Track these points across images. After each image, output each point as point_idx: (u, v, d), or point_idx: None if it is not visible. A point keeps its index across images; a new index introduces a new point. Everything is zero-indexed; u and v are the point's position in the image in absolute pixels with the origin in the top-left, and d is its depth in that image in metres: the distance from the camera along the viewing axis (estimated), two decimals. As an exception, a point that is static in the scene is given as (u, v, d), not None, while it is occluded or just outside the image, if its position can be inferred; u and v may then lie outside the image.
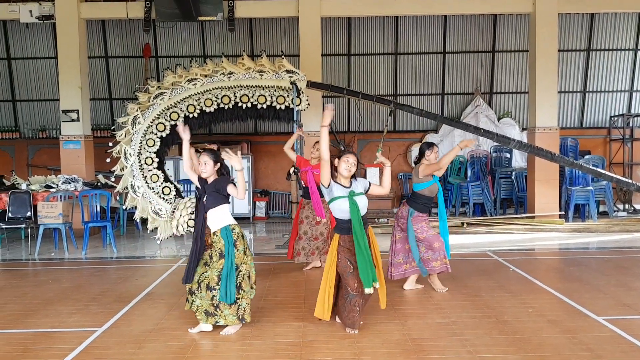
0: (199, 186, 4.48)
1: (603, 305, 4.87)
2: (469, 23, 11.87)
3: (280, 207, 11.89)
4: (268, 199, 11.65)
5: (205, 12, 9.44)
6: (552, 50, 9.61)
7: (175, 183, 7.56)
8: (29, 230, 8.28)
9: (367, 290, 4.11)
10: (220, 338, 4.22)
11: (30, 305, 5.21)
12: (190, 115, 7.35)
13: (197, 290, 4.28)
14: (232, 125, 11.87)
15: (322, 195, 5.59)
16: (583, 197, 10.02)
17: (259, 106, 7.41)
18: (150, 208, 7.27)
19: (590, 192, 9.97)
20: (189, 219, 7.06)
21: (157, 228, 7.32)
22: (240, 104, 7.38)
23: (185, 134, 4.52)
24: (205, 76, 7.32)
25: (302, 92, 7.51)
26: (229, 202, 4.36)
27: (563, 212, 9.92)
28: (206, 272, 4.28)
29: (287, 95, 7.40)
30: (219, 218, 4.28)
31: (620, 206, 11.52)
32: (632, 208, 11.33)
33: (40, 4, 9.45)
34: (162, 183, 7.34)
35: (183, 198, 7.41)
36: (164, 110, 7.31)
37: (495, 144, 11.15)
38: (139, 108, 7.31)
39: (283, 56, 7.66)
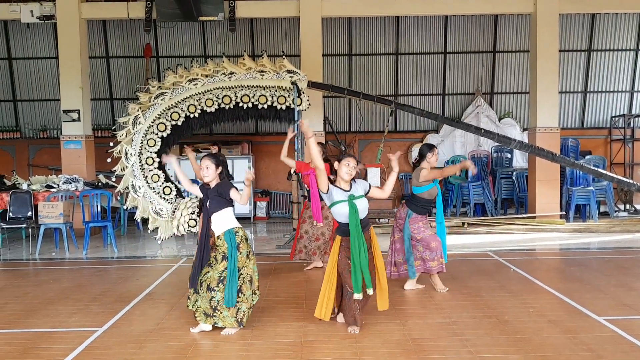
0: (201, 195, 4.49)
1: (604, 305, 4.87)
2: (470, 23, 11.86)
3: (281, 207, 11.89)
4: (269, 199, 11.66)
5: (206, 12, 9.45)
6: (553, 50, 9.61)
7: (176, 183, 7.56)
8: (30, 230, 8.28)
9: (356, 296, 4.15)
10: (220, 338, 4.22)
11: (31, 305, 5.22)
12: (191, 115, 7.35)
13: (200, 289, 4.29)
14: (233, 125, 11.87)
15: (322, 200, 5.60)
16: (584, 198, 10.01)
17: (259, 106, 7.42)
18: (151, 208, 7.28)
19: (591, 193, 9.96)
20: (190, 219, 7.06)
21: (157, 228, 7.33)
22: (241, 104, 7.39)
23: (170, 158, 4.76)
24: (206, 76, 7.32)
25: (303, 92, 7.52)
26: (232, 206, 4.38)
27: (564, 213, 9.92)
28: (209, 272, 4.30)
29: (288, 96, 7.40)
30: (222, 221, 4.31)
31: (621, 206, 11.51)
32: (633, 208, 11.32)
33: (41, 4, 9.47)
34: (163, 183, 7.34)
35: (184, 198, 7.41)
36: (164, 110, 7.32)
37: (496, 144, 11.15)
38: (140, 108, 7.32)
39: (284, 56, 7.67)
